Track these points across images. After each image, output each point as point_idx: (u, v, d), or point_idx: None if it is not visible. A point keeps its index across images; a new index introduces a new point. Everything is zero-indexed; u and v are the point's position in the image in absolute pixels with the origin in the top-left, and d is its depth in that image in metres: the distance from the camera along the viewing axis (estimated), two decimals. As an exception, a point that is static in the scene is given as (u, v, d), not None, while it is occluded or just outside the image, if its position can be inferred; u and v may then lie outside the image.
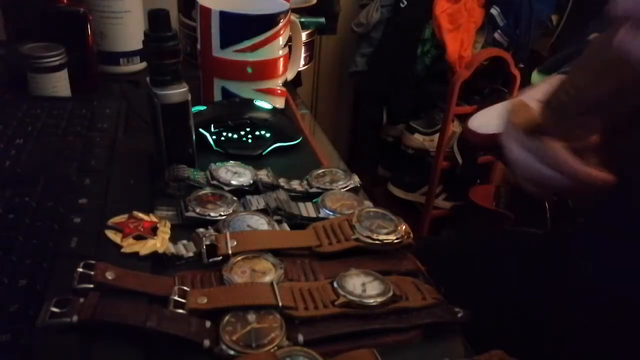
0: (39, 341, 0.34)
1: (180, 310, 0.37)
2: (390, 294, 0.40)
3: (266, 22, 0.64)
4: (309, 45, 1.04)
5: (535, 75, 0.63)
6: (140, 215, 0.47)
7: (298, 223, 0.49)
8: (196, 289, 0.40)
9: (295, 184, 0.56)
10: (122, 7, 0.76)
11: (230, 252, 0.43)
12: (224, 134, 0.62)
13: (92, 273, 0.38)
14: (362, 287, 0.40)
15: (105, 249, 0.43)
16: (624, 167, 0.41)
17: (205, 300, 0.38)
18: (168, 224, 0.47)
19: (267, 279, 0.41)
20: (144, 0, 0.78)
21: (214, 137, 0.62)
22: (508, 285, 0.57)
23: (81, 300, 0.36)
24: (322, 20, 1.04)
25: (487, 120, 0.58)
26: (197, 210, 0.48)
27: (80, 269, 0.38)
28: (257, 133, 0.62)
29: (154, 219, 0.47)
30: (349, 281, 0.41)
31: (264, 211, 0.50)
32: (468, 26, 1.72)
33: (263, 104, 0.64)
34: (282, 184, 0.55)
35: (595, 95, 0.38)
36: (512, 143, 0.44)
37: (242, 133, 0.62)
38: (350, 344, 0.37)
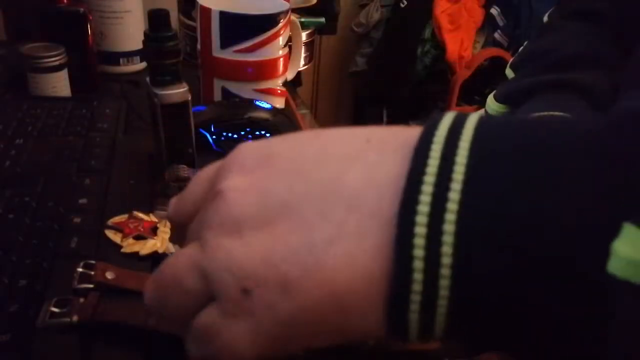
0: (39, 341, 0.34)
1: (180, 310, 0.37)
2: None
3: (266, 22, 0.64)
4: (309, 45, 1.04)
5: (491, 103, 0.50)
6: (140, 215, 0.47)
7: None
8: (196, 289, 0.40)
9: (295, 184, 0.55)
10: (122, 7, 0.76)
11: (230, 252, 0.43)
12: (224, 134, 0.62)
13: (92, 273, 0.38)
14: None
15: (105, 249, 0.43)
16: None
17: (205, 300, 0.38)
18: (168, 224, 0.47)
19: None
20: (144, 0, 0.78)
21: (214, 137, 0.62)
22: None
23: (81, 300, 0.36)
24: (322, 20, 1.04)
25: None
26: (197, 210, 0.48)
27: (80, 269, 0.38)
28: (257, 133, 0.62)
29: (154, 219, 0.47)
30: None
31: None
32: (468, 26, 1.72)
33: (263, 104, 0.64)
34: (282, 184, 0.55)
35: None
36: None
37: (242, 133, 0.62)
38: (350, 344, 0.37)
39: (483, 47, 1.77)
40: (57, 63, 0.66)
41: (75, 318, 0.35)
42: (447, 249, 0.17)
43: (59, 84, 0.67)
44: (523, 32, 1.69)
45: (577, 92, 0.44)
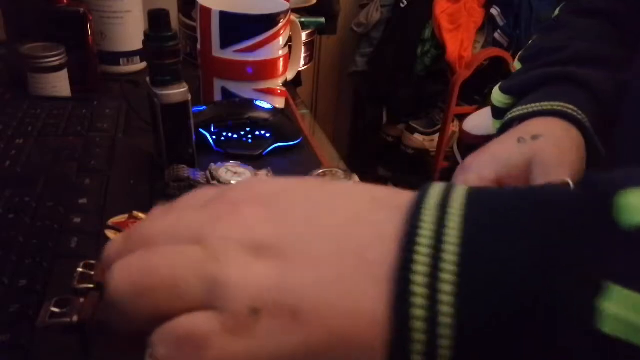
0: (39, 341, 0.34)
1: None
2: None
3: (266, 22, 0.64)
4: (309, 45, 1.04)
5: (496, 95, 0.52)
6: (140, 215, 0.47)
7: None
8: (196, 289, 0.40)
9: (295, 184, 0.55)
10: (122, 7, 0.76)
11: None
12: (224, 134, 0.62)
13: (92, 273, 0.38)
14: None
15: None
16: None
17: (205, 300, 0.38)
18: (168, 224, 0.46)
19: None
20: (144, 0, 0.78)
21: (214, 137, 0.62)
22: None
23: (81, 300, 0.36)
24: (322, 20, 1.04)
25: (482, 121, 0.57)
26: (197, 210, 0.48)
27: (80, 269, 0.38)
28: (257, 133, 0.62)
29: (154, 219, 0.47)
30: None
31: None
32: (468, 26, 1.72)
33: (263, 104, 0.64)
34: (282, 184, 0.55)
35: None
36: None
37: (242, 133, 0.62)
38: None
39: (483, 47, 1.77)
40: (57, 63, 0.66)
41: (75, 318, 0.34)
42: (446, 309, 0.18)
43: (59, 84, 0.67)
44: (523, 32, 1.69)
45: (581, 86, 0.45)
